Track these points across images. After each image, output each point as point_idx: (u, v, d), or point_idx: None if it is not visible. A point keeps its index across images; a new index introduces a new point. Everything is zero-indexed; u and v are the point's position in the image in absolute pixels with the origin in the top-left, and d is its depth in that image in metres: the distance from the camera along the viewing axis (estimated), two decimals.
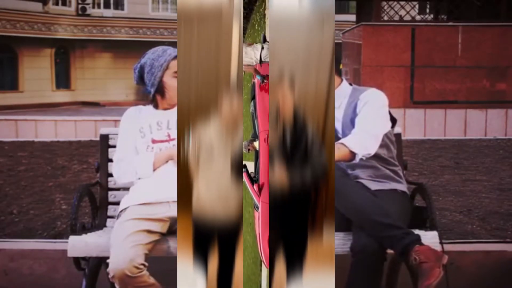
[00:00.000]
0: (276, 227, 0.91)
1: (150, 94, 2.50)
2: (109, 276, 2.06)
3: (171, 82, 2.44)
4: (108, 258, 2.10)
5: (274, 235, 0.92)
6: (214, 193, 0.92)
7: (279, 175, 0.90)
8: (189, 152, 0.92)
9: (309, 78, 0.89)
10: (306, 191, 0.91)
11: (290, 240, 0.91)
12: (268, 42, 1.11)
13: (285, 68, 0.90)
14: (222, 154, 0.92)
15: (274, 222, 0.91)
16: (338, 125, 2.45)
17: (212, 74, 0.90)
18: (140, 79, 2.51)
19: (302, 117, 0.89)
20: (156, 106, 2.53)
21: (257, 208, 1.02)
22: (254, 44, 1.09)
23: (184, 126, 0.91)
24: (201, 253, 0.93)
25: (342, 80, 2.51)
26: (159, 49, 2.49)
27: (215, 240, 0.93)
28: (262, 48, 1.08)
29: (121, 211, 2.36)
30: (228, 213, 0.93)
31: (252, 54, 1.06)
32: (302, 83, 0.89)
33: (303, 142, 0.89)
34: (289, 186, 0.91)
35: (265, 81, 1.09)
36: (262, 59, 1.08)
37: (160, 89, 2.46)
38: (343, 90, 2.48)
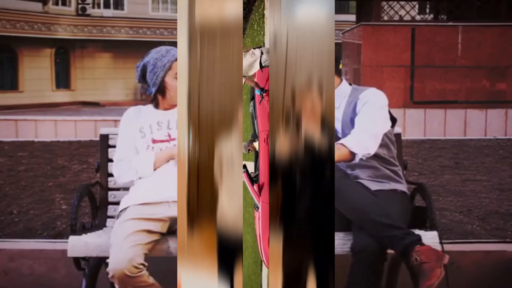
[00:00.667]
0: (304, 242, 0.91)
1: (151, 94, 2.51)
2: (109, 276, 2.06)
3: (172, 83, 2.44)
4: (108, 258, 2.10)
5: (300, 251, 0.91)
6: (237, 206, 0.93)
7: (306, 188, 0.90)
8: (214, 166, 0.92)
9: (331, 83, 0.89)
10: (329, 198, 0.90)
11: (320, 252, 0.91)
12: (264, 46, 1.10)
13: (313, 74, 0.89)
14: (240, 165, 0.92)
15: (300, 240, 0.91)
16: (338, 125, 2.45)
17: (234, 88, 0.91)
18: (142, 77, 2.51)
19: (328, 125, 0.89)
20: (156, 106, 2.53)
21: (257, 208, 1.02)
22: (252, 50, 1.09)
23: (204, 142, 0.91)
24: (227, 267, 0.93)
25: (341, 80, 2.51)
26: (162, 49, 2.50)
27: (240, 253, 0.93)
28: (262, 53, 1.08)
29: (121, 211, 2.36)
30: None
31: (252, 62, 1.06)
32: (328, 89, 0.89)
33: (329, 152, 0.89)
34: (314, 197, 0.90)
35: (264, 95, 1.08)
36: (262, 64, 1.08)
37: (162, 89, 2.47)
38: (342, 90, 2.48)
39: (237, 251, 0.90)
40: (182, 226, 0.91)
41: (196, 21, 0.90)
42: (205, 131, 0.88)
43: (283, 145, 0.91)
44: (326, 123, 0.89)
